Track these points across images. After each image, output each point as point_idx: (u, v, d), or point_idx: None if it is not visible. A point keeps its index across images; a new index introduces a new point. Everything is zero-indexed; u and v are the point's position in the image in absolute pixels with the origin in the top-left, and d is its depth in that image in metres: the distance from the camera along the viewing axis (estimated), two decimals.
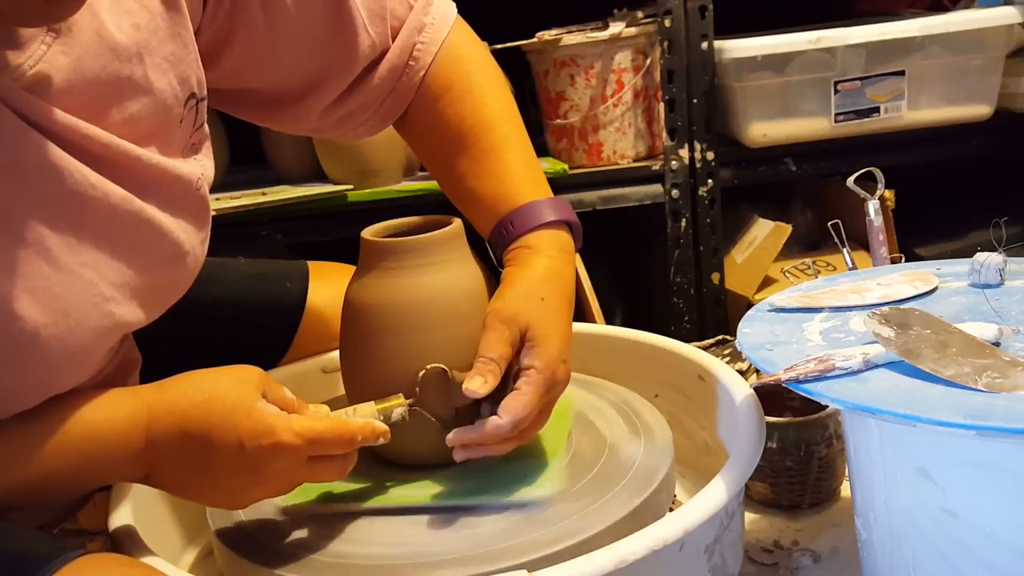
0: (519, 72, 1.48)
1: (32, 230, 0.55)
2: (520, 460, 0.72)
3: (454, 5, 0.82)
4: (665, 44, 1.38)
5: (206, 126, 0.69)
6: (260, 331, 0.95)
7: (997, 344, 0.59)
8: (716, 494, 0.61)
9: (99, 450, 0.59)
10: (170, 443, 0.59)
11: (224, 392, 0.59)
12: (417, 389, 0.69)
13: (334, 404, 0.85)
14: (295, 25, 0.72)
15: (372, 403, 0.68)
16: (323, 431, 0.61)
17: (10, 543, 0.53)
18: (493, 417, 0.65)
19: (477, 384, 0.65)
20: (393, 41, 0.78)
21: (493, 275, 0.76)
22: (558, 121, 1.46)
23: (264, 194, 1.36)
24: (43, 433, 0.58)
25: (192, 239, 0.66)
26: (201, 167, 0.67)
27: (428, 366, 0.69)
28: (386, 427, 0.65)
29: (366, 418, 0.65)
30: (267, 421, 0.59)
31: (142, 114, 0.60)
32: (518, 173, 0.77)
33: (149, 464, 0.60)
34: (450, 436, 0.66)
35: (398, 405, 0.68)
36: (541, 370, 0.66)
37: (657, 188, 1.43)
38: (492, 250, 0.77)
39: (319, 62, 0.75)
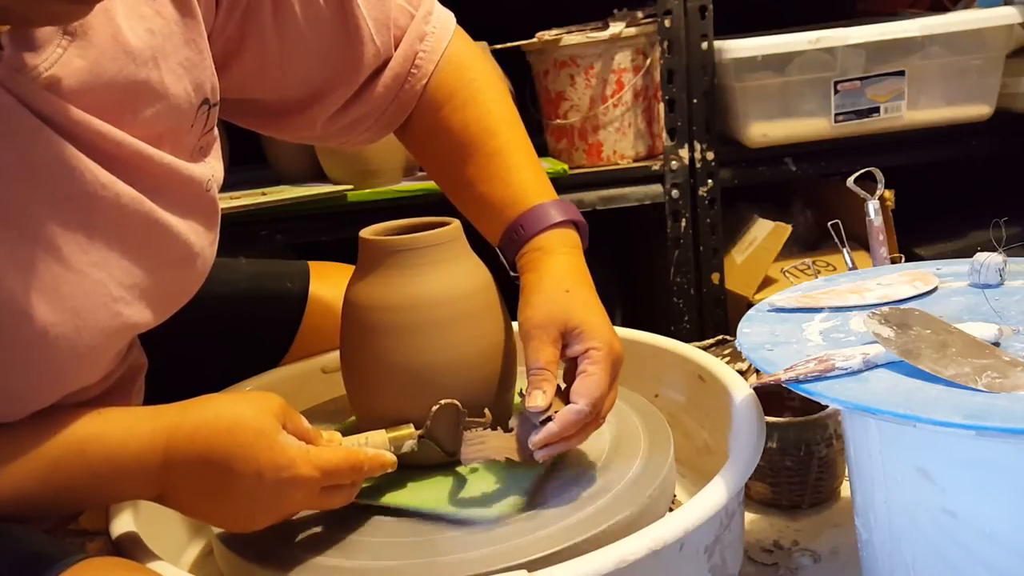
0: (519, 72, 1.48)
1: (43, 229, 0.55)
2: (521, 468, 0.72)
3: (453, 15, 0.83)
4: (665, 44, 1.38)
5: (216, 130, 0.69)
6: (261, 329, 0.95)
7: (997, 344, 0.59)
8: (716, 494, 0.61)
9: (115, 470, 0.59)
10: (188, 468, 0.59)
11: (246, 422, 0.59)
12: (428, 422, 0.69)
13: (334, 405, 0.86)
14: (304, 34, 0.72)
15: (383, 431, 0.68)
16: (338, 462, 0.62)
17: (15, 544, 0.53)
18: (571, 405, 0.65)
19: (539, 399, 0.65)
20: (396, 50, 0.78)
21: (498, 278, 0.76)
22: (558, 121, 1.46)
23: (264, 194, 1.36)
24: (60, 450, 0.58)
25: (202, 241, 0.66)
26: (211, 170, 0.67)
27: (442, 401, 0.69)
28: (395, 458, 0.66)
29: (377, 448, 0.66)
30: (288, 454, 0.60)
31: (156, 118, 0.61)
32: (525, 177, 0.77)
33: (164, 485, 0.60)
34: (533, 439, 0.65)
35: (408, 436, 0.69)
36: (600, 347, 0.67)
37: (657, 188, 1.43)
38: (503, 255, 0.77)
39: (325, 71, 0.76)
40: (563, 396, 0.68)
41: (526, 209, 0.75)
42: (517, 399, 0.78)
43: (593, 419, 0.66)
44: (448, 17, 0.82)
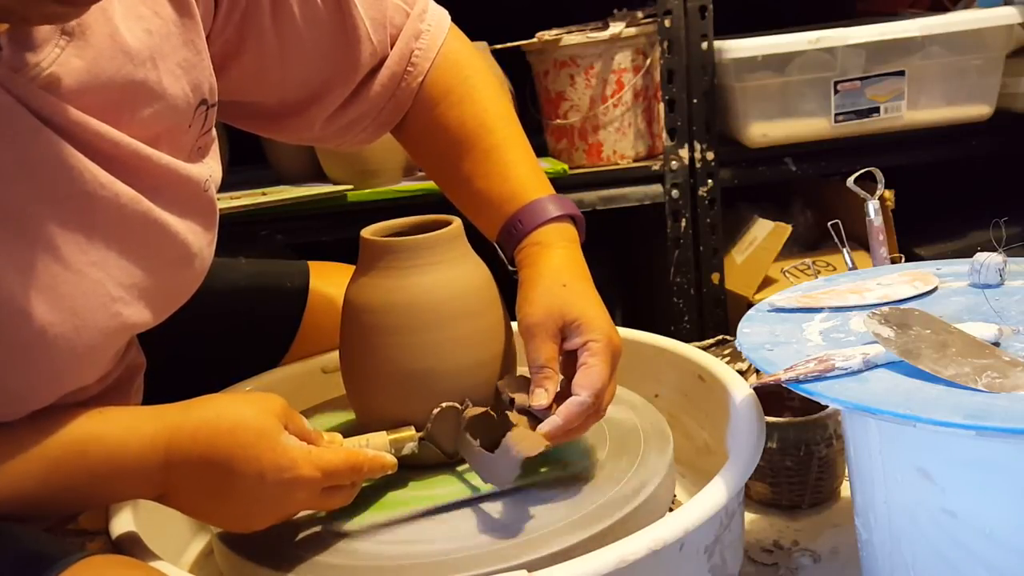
0: (519, 72, 1.48)
1: (42, 228, 0.55)
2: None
3: (447, 13, 0.83)
4: (665, 44, 1.38)
5: (214, 130, 0.69)
6: (262, 328, 0.95)
7: (997, 344, 0.59)
8: (716, 494, 0.61)
9: (115, 470, 0.59)
10: (190, 468, 0.59)
11: (248, 422, 0.59)
12: (429, 425, 0.70)
13: (333, 404, 0.86)
14: (302, 35, 0.72)
15: (384, 433, 0.69)
16: (339, 463, 0.62)
17: (15, 543, 0.53)
18: (573, 397, 0.65)
19: (542, 398, 0.66)
20: (391, 48, 0.78)
21: (498, 275, 0.76)
22: (558, 121, 1.46)
23: (264, 194, 1.36)
24: (60, 450, 0.58)
25: (200, 241, 0.66)
26: (209, 170, 0.67)
27: (443, 404, 0.70)
28: (395, 460, 0.67)
29: (378, 450, 0.67)
30: (290, 455, 0.60)
31: (154, 118, 0.61)
32: (522, 173, 0.78)
33: (165, 485, 0.60)
34: (542, 432, 0.65)
35: (409, 439, 0.69)
36: (599, 339, 0.67)
37: (657, 188, 1.43)
38: (501, 250, 0.77)
39: (324, 72, 0.76)
40: (563, 389, 0.68)
41: (523, 204, 0.75)
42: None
43: (595, 411, 0.67)
44: (443, 15, 0.82)
